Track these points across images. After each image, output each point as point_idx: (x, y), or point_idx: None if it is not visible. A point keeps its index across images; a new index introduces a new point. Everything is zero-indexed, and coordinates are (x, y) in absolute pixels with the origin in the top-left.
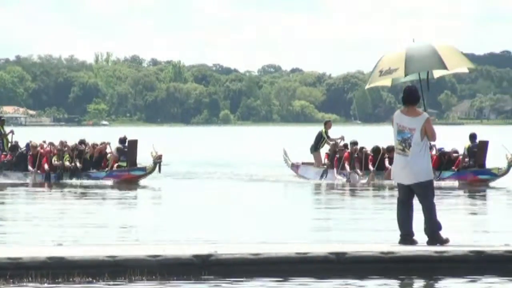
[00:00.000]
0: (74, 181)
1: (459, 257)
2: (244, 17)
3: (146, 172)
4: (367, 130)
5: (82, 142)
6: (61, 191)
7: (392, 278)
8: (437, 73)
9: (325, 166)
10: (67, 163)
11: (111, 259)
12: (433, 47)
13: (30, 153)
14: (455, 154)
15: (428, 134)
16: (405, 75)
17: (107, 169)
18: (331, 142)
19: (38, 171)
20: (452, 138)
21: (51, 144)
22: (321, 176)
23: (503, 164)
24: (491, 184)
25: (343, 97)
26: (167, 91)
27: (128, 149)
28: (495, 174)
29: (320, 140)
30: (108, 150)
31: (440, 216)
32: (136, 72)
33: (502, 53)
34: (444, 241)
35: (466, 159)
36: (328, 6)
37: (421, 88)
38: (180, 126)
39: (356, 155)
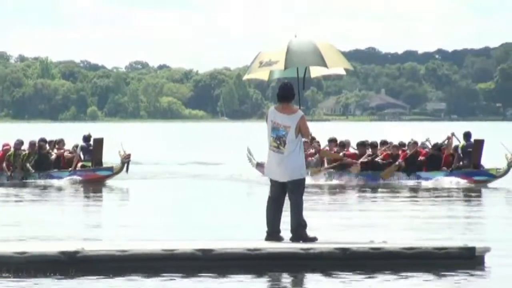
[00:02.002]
0: (38, 181)
1: (325, 254)
2: (111, 13)
3: (113, 172)
4: (234, 126)
5: (42, 140)
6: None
7: (258, 274)
8: (314, 73)
9: None
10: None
11: None
12: (315, 44)
13: None
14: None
15: (302, 131)
16: (285, 68)
17: (70, 168)
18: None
19: None
20: (321, 134)
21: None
22: None
23: (502, 164)
24: (489, 185)
25: (210, 94)
26: (35, 87)
27: (94, 147)
28: (492, 175)
29: None
30: (65, 148)
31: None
32: (3, 68)
33: (367, 50)
34: (310, 239)
35: (459, 159)
36: (197, 3)
37: (298, 85)
38: (48, 123)
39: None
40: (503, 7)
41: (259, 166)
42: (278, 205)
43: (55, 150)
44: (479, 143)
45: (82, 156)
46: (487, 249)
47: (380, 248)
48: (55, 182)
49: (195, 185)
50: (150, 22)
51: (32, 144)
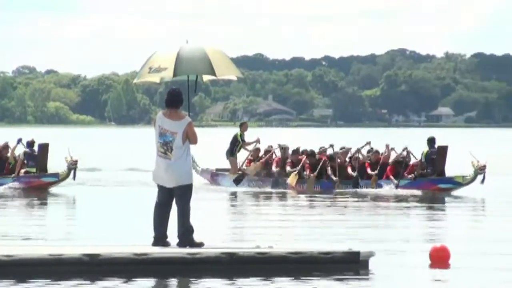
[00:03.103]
0: None
1: (211, 258)
2: None
3: (59, 179)
4: (121, 132)
5: None
6: None
7: (145, 279)
8: (206, 77)
9: (240, 172)
10: None
11: None
12: (205, 51)
13: None
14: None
15: (190, 137)
16: (174, 76)
17: (13, 175)
18: (248, 147)
19: None
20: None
21: None
22: (237, 183)
23: (468, 172)
24: (453, 193)
25: (98, 99)
26: None
27: (38, 153)
28: (458, 183)
29: (235, 144)
30: (9, 153)
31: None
32: None
33: (255, 56)
34: (196, 244)
35: (424, 166)
36: (84, 7)
37: (188, 90)
38: None
39: (289, 160)
40: (389, 13)
41: (204, 172)
42: (165, 211)
43: None
44: (443, 150)
45: (25, 162)
46: (371, 254)
47: (266, 252)
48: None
49: (136, 192)
50: (37, 26)
51: None
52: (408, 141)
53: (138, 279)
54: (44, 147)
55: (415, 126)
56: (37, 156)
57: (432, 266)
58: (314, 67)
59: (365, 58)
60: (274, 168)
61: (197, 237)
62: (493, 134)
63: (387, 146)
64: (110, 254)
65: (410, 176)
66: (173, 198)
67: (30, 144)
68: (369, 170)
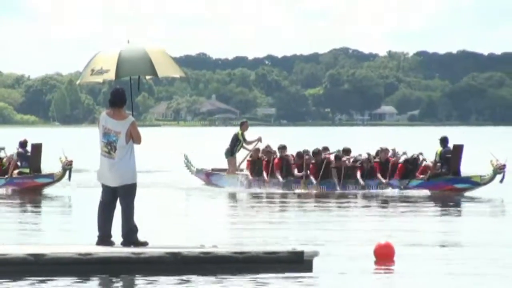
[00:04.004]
0: None
1: (156, 258)
2: None
3: (53, 179)
4: (66, 131)
5: None
6: None
7: (91, 279)
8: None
9: (239, 173)
10: None
11: None
12: (146, 51)
13: None
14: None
15: (133, 137)
16: (116, 78)
17: (6, 176)
18: (248, 146)
19: None
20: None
21: None
22: (243, 184)
23: (487, 171)
24: (468, 193)
25: (42, 99)
26: None
27: (31, 153)
28: (476, 183)
29: (236, 143)
30: (2, 154)
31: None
32: None
33: (198, 55)
34: (140, 243)
35: (438, 166)
36: (29, 7)
37: (131, 90)
38: None
39: (292, 162)
40: (331, 12)
41: (201, 173)
42: (110, 210)
43: None
44: (459, 148)
45: (19, 163)
46: (315, 253)
47: (210, 252)
48: None
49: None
50: None
51: None
52: (353, 139)
53: (83, 278)
54: (37, 147)
55: (358, 125)
56: (30, 156)
57: (377, 263)
58: (257, 67)
59: (308, 57)
60: (277, 173)
61: (141, 236)
62: (437, 132)
63: (393, 150)
64: (55, 254)
65: (422, 176)
66: (117, 197)
67: (23, 144)
68: (379, 175)
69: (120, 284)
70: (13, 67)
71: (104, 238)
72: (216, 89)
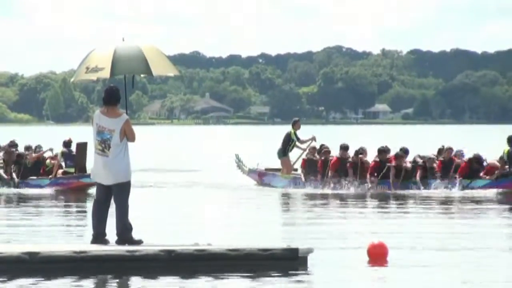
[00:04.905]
0: (11, 190)
1: (150, 256)
2: None
3: None
4: (60, 130)
5: (14, 145)
6: None
7: (85, 277)
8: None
9: (294, 174)
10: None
11: None
12: (141, 49)
13: None
14: (458, 160)
15: (127, 135)
16: (110, 77)
17: (50, 176)
18: (302, 145)
19: None
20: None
21: None
22: (299, 184)
23: None
24: None
25: (36, 97)
26: None
27: (76, 153)
28: None
29: (288, 143)
30: (48, 154)
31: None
32: None
33: (192, 54)
34: (135, 242)
35: (506, 166)
36: (22, 5)
37: (125, 88)
38: None
39: (349, 161)
40: (325, 11)
41: (251, 172)
42: (104, 208)
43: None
44: None
45: (63, 163)
46: (310, 250)
47: (204, 250)
48: (35, 191)
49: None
50: None
51: (9, 152)
52: (347, 138)
53: (77, 276)
54: (82, 146)
55: (352, 123)
56: (75, 155)
57: (370, 262)
58: (251, 65)
59: (302, 55)
60: (330, 173)
61: (135, 234)
62: (430, 130)
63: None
64: (50, 252)
65: (488, 177)
66: (111, 196)
67: (67, 143)
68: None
69: (114, 282)
70: (7, 66)
71: (99, 237)
72: (210, 87)
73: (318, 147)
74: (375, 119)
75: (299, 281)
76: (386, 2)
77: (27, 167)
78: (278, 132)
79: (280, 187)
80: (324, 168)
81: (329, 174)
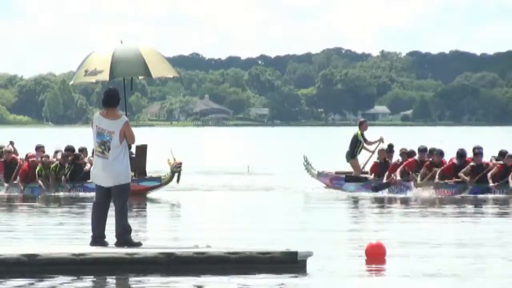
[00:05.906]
0: (69, 193)
1: (149, 258)
2: None
3: (161, 183)
4: (59, 132)
5: (71, 148)
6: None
7: (84, 279)
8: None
9: (365, 176)
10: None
11: None
12: (139, 52)
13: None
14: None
15: (127, 137)
16: (110, 79)
17: None
18: (370, 147)
19: (15, 182)
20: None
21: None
22: (375, 189)
23: None
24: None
25: (35, 99)
26: None
27: (136, 155)
28: None
29: (356, 144)
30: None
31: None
32: None
33: (191, 56)
34: (134, 244)
35: None
36: (22, 7)
37: (125, 90)
38: None
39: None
40: (324, 12)
41: (322, 176)
42: (103, 210)
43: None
44: None
45: None
46: (309, 254)
47: (204, 252)
48: (92, 194)
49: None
50: None
51: (65, 155)
52: (347, 138)
53: (76, 279)
54: (141, 149)
55: (351, 124)
56: (135, 158)
57: (368, 262)
58: (250, 66)
59: (301, 57)
60: (409, 175)
61: (135, 237)
62: (429, 132)
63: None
64: (49, 255)
65: None
66: (110, 197)
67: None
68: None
69: (113, 284)
70: (6, 67)
71: (98, 239)
72: (209, 89)
73: (386, 147)
74: (374, 121)
75: (297, 285)
76: (385, 4)
77: (82, 170)
78: (277, 134)
79: (351, 191)
80: (394, 170)
81: (410, 175)
